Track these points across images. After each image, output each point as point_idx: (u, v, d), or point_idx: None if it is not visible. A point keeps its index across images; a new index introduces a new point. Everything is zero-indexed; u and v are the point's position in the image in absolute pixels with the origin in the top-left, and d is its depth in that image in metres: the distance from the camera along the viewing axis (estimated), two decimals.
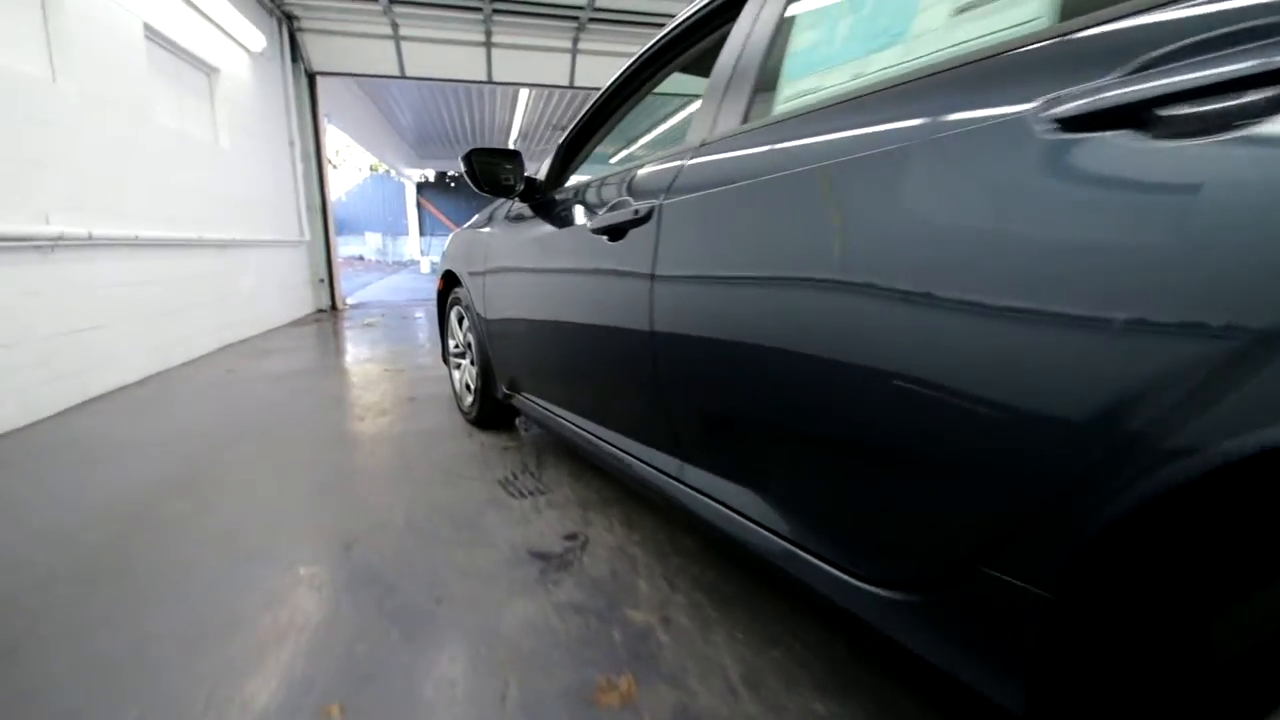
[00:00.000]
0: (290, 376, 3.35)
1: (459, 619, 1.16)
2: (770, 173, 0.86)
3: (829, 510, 0.84)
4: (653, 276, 1.08)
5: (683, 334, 1.03)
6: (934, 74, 0.69)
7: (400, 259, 23.51)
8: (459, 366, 2.51)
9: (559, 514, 1.61)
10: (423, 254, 21.16)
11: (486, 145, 1.70)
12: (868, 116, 0.75)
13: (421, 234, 24.02)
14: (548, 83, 6.68)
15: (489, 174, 1.67)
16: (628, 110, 1.59)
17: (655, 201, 1.10)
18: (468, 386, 2.39)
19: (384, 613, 1.18)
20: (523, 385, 1.89)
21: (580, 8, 5.57)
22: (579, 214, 1.46)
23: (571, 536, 1.48)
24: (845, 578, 0.80)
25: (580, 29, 6.03)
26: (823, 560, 0.84)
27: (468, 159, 1.62)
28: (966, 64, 0.65)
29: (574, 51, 6.35)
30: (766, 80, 0.99)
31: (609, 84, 1.51)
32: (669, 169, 1.11)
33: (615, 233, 1.22)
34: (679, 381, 1.08)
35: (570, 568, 1.34)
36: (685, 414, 1.10)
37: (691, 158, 1.06)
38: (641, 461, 1.25)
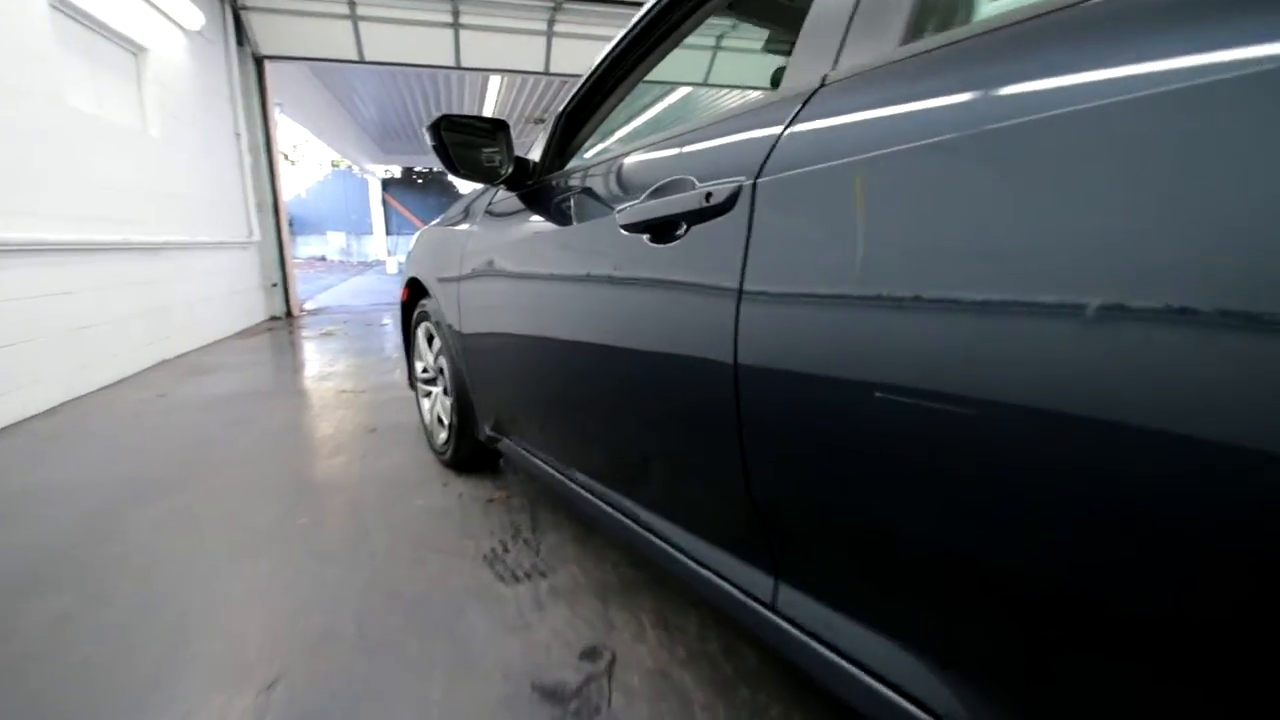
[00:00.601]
0: (230, 401, 2.86)
1: None
2: (984, 122, 0.47)
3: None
4: (740, 293, 0.68)
5: (796, 380, 0.63)
6: None
7: (365, 259, 22.61)
8: (429, 395, 2.07)
9: (569, 611, 1.20)
10: (390, 254, 20.45)
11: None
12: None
13: (388, 233, 23.18)
14: (521, 68, 6.20)
15: (465, 151, 1.24)
16: (653, 65, 1.18)
17: (738, 181, 0.69)
18: (440, 420, 1.96)
19: None
20: (513, 428, 1.47)
21: None
22: (593, 205, 1.05)
23: (591, 653, 1.07)
24: None
25: (556, 9, 5.58)
26: None
27: (435, 130, 1.19)
28: None
29: (549, 35, 5.89)
30: None
31: (629, 27, 1.09)
32: (760, 135, 0.70)
33: (662, 229, 0.81)
34: (784, 455, 0.68)
35: (596, 716, 0.93)
36: (790, 508, 0.70)
37: (801, 114, 0.66)
38: (705, 569, 0.85)
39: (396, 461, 2.03)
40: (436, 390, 1.99)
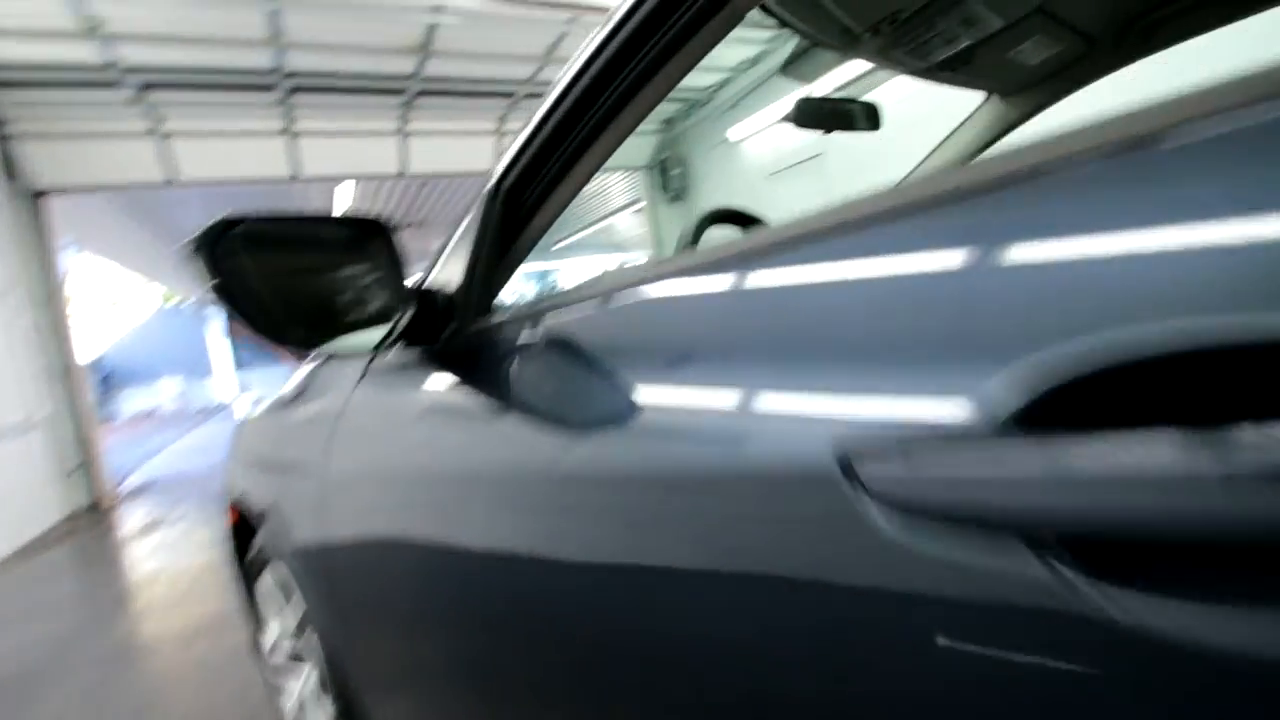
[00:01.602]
0: None
1: None
2: None
3: None
4: None
5: None
6: None
7: (208, 405, 19.77)
8: (295, 679, 1.23)
9: None
10: (243, 390, 18.17)
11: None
12: None
13: (238, 367, 20.69)
14: (373, 173, 5.53)
15: (295, 296, 0.55)
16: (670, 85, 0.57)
17: None
18: None
19: None
20: None
21: (407, 77, 4.57)
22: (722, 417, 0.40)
23: None
24: None
25: (408, 106, 5.02)
26: None
27: (210, 254, 0.49)
28: None
29: (403, 133, 5.30)
30: None
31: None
32: None
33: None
34: None
35: None
36: None
37: None
38: None
39: None
40: (309, 676, 1.17)
